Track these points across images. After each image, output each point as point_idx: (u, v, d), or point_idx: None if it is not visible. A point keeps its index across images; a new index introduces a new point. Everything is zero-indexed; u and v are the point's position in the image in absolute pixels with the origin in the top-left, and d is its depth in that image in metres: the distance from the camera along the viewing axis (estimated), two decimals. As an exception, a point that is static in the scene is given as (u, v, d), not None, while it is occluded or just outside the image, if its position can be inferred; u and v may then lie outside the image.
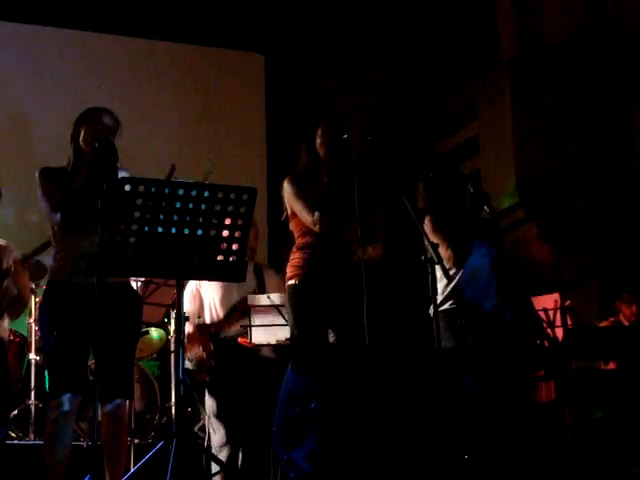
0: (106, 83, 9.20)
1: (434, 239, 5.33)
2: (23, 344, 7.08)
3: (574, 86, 9.00)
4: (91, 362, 5.15)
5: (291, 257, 5.31)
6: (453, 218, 5.53)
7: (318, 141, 5.31)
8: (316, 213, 5.15)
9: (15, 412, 6.77)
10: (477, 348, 5.27)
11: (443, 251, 5.40)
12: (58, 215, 4.65)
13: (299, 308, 5.23)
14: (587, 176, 8.80)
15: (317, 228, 5.18)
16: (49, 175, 4.77)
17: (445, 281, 5.41)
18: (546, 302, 6.25)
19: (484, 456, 4.51)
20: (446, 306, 5.47)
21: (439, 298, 5.45)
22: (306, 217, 5.21)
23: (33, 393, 6.81)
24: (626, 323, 7.36)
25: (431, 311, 5.41)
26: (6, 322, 5.82)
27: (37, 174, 4.80)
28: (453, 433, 4.37)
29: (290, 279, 5.26)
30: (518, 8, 9.16)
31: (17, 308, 5.68)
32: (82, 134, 4.76)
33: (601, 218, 8.56)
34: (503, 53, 9.21)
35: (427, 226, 5.50)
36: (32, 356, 6.85)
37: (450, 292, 5.47)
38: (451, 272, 5.39)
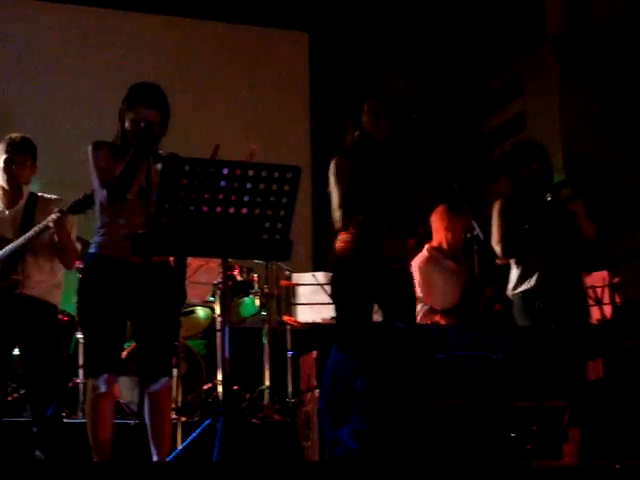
0: (150, 63, 9.22)
1: (494, 224, 5.43)
2: (71, 323, 7.12)
3: (622, 62, 8.89)
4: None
5: (340, 233, 5.33)
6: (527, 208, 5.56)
7: (364, 117, 5.31)
8: (339, 211, 5.20)
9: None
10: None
11: (494, 243, 5.48)
12: (105, 192, 4.69)
13: (343, 283, 5.24)
14: (635, 152, 8.71)
15: (336, 225, 5.25)
16: (100, 149, 4.81)
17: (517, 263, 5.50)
18: (594, 280, 6.20)
19: (532, 434, 4.49)
20: (522, 288, 5.50)
21: (513, 280, 5.52)
22: (334, 209, 5.26)
23: (81, 371, 6.85)
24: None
25: (509, 293, 5.51)
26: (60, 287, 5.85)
27: (90, 147, 4.84)
28: (499, 411, 4.35)
29: (338, 254, 5.27)
30: (564, -17, 9.06)
31: (67, 256, 5.62)
32: (127, 122, 4.80)
33: (649, 194, 8.47)
34: (549, 29, 9.10)
35: (495, 207, 5.59)
36: (79, 335, 6.89)
37: (522, 274, 5.52)
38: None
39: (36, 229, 5.47)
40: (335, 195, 5.29)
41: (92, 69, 9.17)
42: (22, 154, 5.63)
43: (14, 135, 5.71)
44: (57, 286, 5.77)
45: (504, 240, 5.51)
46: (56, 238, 5.49)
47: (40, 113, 9.00)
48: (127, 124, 4.80)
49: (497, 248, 5.51)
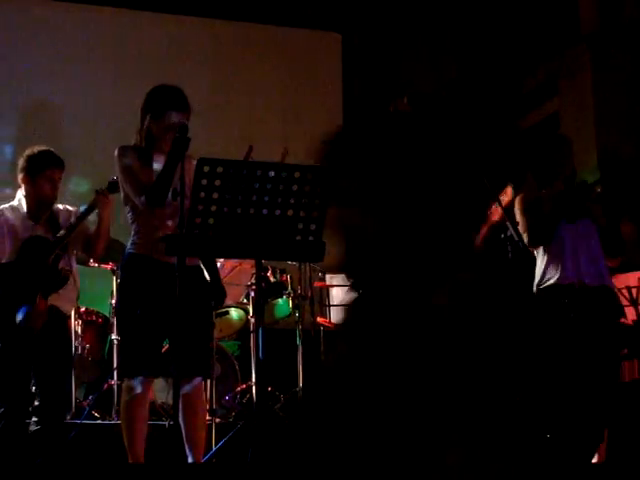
0: (186, 64, 9.25)
1: (519, 218, 5.36)
2: (105, 325, 7.16)
3: (657, 60, 8.83)
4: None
5: None
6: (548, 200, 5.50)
7: None
8: None
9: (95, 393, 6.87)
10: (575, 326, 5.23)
11: (522, 233, 5.41)
12: (143, 198, 4.70)
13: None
14: (671, 151, 8.64)
15: None
16: (129, 156, 4.82)
17: (543, 257, 5.41)
18: (629, 280, 6.16)
19: (567, 434, 4.46)
20: (549, 283, 5.44)
21: (538, 274, 5.45)
22: None
23: (115, 373, 6.88)
24: None
25: (534, 288, 5.44)
26: (73, 298, 5.80)
27: (116, 152, 4.84)
28: (535, 413, 4.33)
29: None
30: (598, -19, 9.00)
31: (97, 244, 5.51)
32: (156, 128, 4.81)
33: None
34: (583, 28, 9.06)
35: (517, 205, 5.50)
36: (114, 336, 6.92)
37: (548, 269, 5.45)
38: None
39: (83, 211, 5.43)
40: None
41: (132, 71, 9.19)
42: (61, 170, 5.55)
43: (47, 148, 5.56)
44: (73, 294, 5.70)
45: (529, 229, 5.41)
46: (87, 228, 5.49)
47: (88, 113, 9.04)
48: (156, 129, 4.81)
49: (524, 237, 5.42)
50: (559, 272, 5.38)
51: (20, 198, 5.55)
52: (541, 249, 5.42)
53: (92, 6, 9.31)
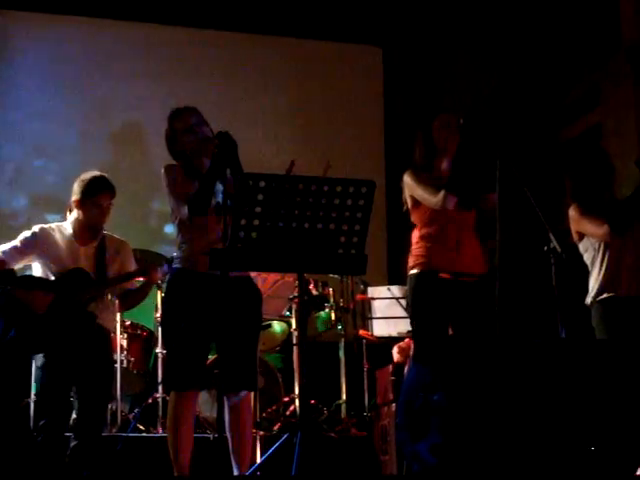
0: (226, 80, 9.31)
1: (584, 224, 5.31)
2: (150, 338, 7.22)
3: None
4: (214, 356, 5.22)
5: (413, 247, 5.33)
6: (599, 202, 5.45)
7: (435, 133, 5.32)
8: (442, 191, 5.15)
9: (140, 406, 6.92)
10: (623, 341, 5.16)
11: (597, 230, 5.31)
12: (185, 208, 4.77)
13: (419, 297, 5.24)
14: None
15: (441, 205, 5.17)
16: (174, 171, 4.91)
17: (598, 269, 5.36)
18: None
19: (611, 448, 4.42)
20: (603, 296, 5.37)
21: (595, 287, 5.38)
22: (430, 199, 5.22)
23: (160, 387, 6.92)
24: None
25: (588, 301, 5.38)
26: (114, 314, 5.89)
27: (163, 170, 4.93)
28: (581, 425, 4.30)
29: (411, 268, 5.28)
30: (640, -8, 8.96)
31: (130, 302, 5.65)
32: (187, 143, 4.93)
33: None
34: (625, 39, 9.01)
35: (573, 214, 5.44)
36: (159, 350, 6.97)
37: (605, 281, 5.38)
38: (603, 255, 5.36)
39: (131, 272, 5.56)
40: (423, 188, 5.25)
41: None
42: (112, 197, 5.55)
43: (101, 174, 5.56)
44: (113, 312, 5.83)
45: (608, 217, 5.32)
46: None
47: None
48: (184, 139, 4.93)
49: (602, 230, 5.31)
50: (619, 281, 5.33)
51: (72, 221, 5.57)
52: (598, 261, 5.40)
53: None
